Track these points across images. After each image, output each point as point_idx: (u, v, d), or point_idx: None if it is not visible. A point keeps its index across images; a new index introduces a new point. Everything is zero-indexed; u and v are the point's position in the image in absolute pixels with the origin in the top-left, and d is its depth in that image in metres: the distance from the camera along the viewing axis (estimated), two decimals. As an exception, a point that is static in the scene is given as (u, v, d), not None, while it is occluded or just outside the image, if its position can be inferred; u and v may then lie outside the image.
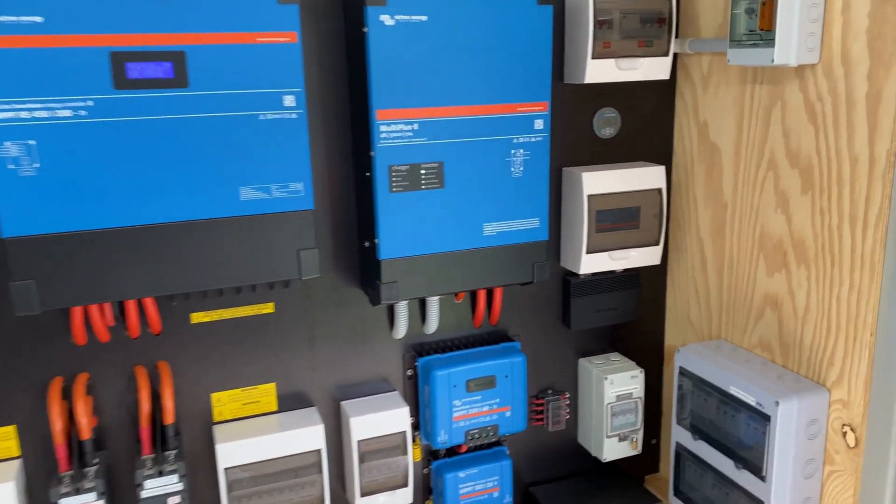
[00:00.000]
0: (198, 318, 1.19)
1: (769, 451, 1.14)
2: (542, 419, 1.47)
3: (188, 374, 1.21)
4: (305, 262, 1.08)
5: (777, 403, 1.12)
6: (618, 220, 1.33)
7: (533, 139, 1.20)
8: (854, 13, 1.04)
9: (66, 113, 0.93)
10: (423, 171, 1.13)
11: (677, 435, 1.36)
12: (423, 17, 1.07)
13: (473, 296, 1.36)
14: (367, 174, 1.14)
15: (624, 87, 1.35)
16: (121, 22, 0.93)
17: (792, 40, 1.07)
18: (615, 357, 1.49)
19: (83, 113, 0.94)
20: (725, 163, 1.31)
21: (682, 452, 1.35)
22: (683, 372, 1.32)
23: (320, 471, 1.23)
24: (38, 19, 0.90)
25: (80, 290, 0.98)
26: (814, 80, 1.11)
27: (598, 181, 1.31)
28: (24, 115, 0.91)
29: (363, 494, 1.27)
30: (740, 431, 1.20)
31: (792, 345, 1.22)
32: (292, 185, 1.06)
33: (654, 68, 1.29)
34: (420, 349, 1.35)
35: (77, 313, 1.07)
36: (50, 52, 0.91)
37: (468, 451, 1.40)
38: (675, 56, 1.34)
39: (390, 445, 1.28)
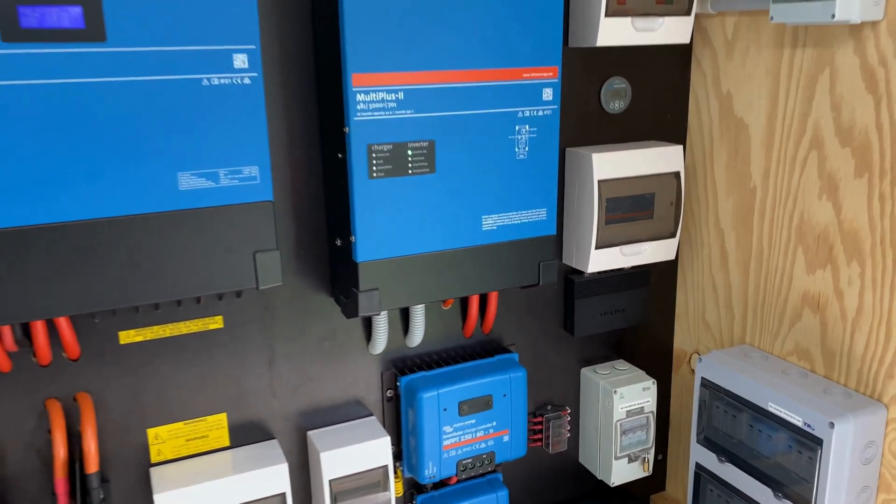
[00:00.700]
0: (128, 337, 1.06)
1: (820, 479, 1.05)
2: (540, 439, 1.35)
3: (117, 406, 1.09)
4: (264, 267, 0.96)
5: (832, 425, 1.02)
6: (630, 209, 1.22)
7: (541, 112, 1.06)
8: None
9: (-67, 74, 0.76)
10: (409, 152, 1.00)
11: (697, 455, 1.26)
12: (411, -42, 0.93)
13: (464, 301, 1.24)
14: (340, 156, 1.01)
15: (635, 52, 1.24)
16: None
17: (857, -9, 0.96)
18: (621, 365, 1.38)
19: (-43, 74, 0.77)
20: (754, 142, 1.20)
21: (702, 475, 1.26)
22: (706, 383, 1.22)
23: (285, 519, 1.11)
24: None
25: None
26: (875, 41, 1.01)
27: (609, 164, 1.18)
28: None
29: (337, 541, 1.17)
30: (781, 455, 1.11)
31: (839, 353, 1.12)
32: (245, 170, 0.93)
33: (674, 29, 1.18)
34: (402, 365, 1.23)
35: (-36, 339, 0.92)
36: None
37: (459, 481, 1.27)
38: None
39: (368, 483, 1.16)
